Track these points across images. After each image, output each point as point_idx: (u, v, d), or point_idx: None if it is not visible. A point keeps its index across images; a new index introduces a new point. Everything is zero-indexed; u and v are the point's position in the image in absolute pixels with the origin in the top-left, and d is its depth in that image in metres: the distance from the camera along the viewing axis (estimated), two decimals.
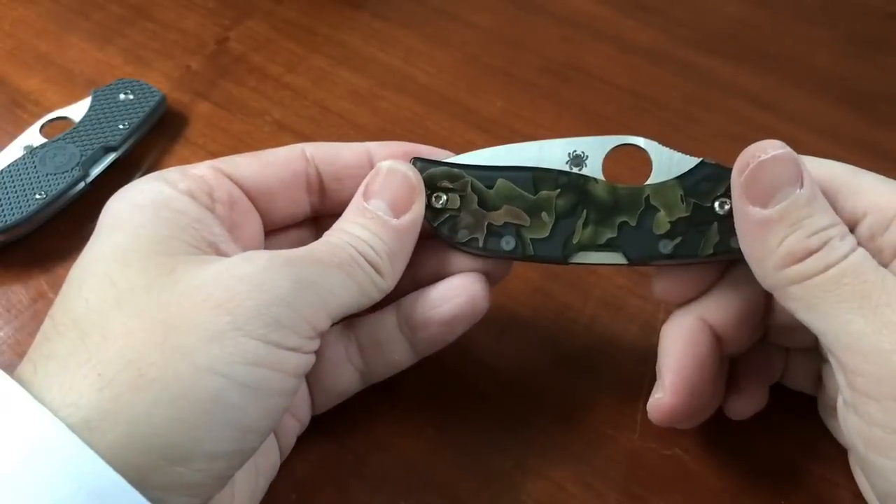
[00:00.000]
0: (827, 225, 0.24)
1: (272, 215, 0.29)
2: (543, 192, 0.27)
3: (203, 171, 0.27)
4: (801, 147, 0.25)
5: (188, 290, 0.22)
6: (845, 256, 0.23)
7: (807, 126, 0.42)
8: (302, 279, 0.24)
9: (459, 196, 0.28)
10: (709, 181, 0.26)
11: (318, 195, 0.29)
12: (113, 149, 0.38)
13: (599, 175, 0.27)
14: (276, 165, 0.28)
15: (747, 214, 0.25)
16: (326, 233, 0.27)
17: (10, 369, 0.32)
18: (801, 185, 0.24)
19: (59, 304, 0.23)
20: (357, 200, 0.27)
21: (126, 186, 0.26)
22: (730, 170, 0.26)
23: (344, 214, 0.27)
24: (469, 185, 0.28)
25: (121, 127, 0.39)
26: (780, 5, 0.49)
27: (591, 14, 0.48)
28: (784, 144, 0.25)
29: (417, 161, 0.28)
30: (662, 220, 0.27)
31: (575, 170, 0.27)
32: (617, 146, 0.27)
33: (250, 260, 0.24)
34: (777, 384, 0.31)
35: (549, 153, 0.28)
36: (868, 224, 0.24)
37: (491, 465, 0.29)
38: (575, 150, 0.27)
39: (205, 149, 0.40)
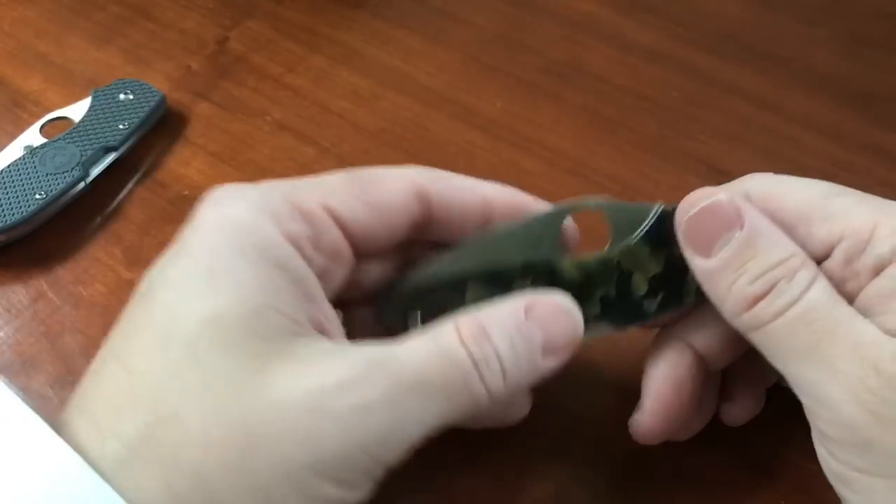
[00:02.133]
0: (773, 264, 0.23)
1: (365, 251, 0.26)
2: (516, 286, 0.26)
3: (314, 208, 0.24)
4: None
5: (274, 406, 0.20)
6: (795, 301, 0.23)
7: (807, 126, 0.41)
8: (394, 419, 0.21)
9: (437, 309, 0.25)
10: (672, 227, 0.26)
11: (417, 230, 0.27)
12: (113, 149, 0.38)
13: (561, 252, 0.26)
14: (389, 210, 0.25)
15: (695, 266, 0.25)
16: (440, 330, 0.23)
17: (10, 369, 0.32)
18: (742, 226, 0.24)
19: (130, 342, 0.22)
20: (515, 312, 0.23)
21: (222, 202, 0.24)
22: None
23: (486, 315, 0.23)
24: (443, 299, 0.26)
25: (121, 127, 0.39)
26: (780, 5, 0.49)
27: (591, 14, 0.48)
28: (714, 191, 0.25)
29: (381, 296, 0.27)
30: (640, 282, 0.26)
31: (537, 254, 0.26)
32: (570, 214, 0.27)
33: (348, 389, 0.21)
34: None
35: (506, 242, 0.26)
36: (843, 249, 0.24)
37: (491, 466, 0.29)
38: (530, 232, 0.26)
39: (205, 149, 0.40)
